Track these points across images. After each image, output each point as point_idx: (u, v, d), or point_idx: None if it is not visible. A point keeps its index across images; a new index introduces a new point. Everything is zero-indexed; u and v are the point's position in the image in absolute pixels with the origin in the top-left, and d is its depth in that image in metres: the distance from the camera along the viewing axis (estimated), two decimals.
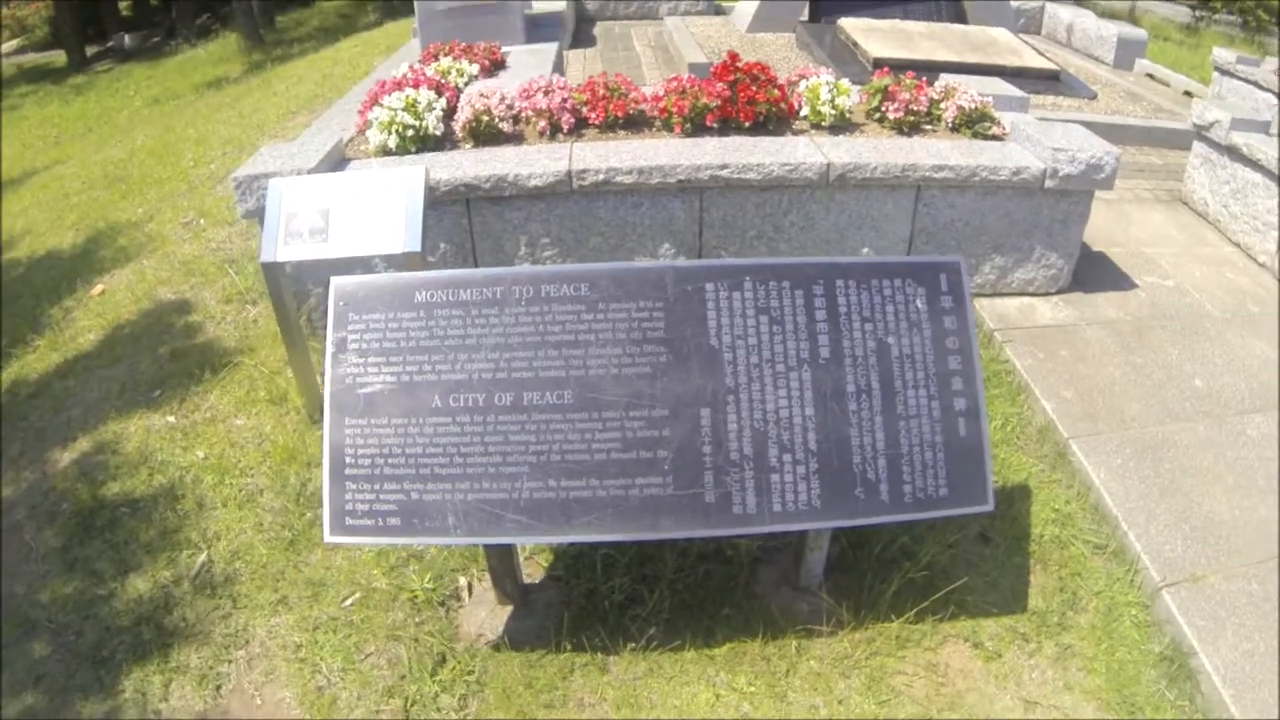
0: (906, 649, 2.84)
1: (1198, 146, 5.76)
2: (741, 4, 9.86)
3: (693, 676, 2.75)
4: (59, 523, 3.55)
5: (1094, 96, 7.76)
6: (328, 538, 2.35)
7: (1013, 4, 10.05)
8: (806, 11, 9.46)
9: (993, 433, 3.71)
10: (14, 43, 27.38)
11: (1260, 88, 7.20)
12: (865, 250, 4.35)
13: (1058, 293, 4.62)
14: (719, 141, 4.29)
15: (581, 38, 9.58)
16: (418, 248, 3.27)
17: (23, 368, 4.69)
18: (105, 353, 4.65)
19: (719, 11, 10.51)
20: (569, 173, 3.98)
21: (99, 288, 5.39)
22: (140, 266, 5.50)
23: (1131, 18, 15.10)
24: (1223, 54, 7.77)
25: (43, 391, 4.43)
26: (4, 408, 4.37)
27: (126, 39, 21.51)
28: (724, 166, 4.03)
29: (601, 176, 4.00)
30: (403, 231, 3.29)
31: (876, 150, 4.22)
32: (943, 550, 3.13)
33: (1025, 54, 8.03)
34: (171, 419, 4.03)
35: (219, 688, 2.87)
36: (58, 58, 21.74)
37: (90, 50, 21.44)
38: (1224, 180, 5.49)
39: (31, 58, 24.00)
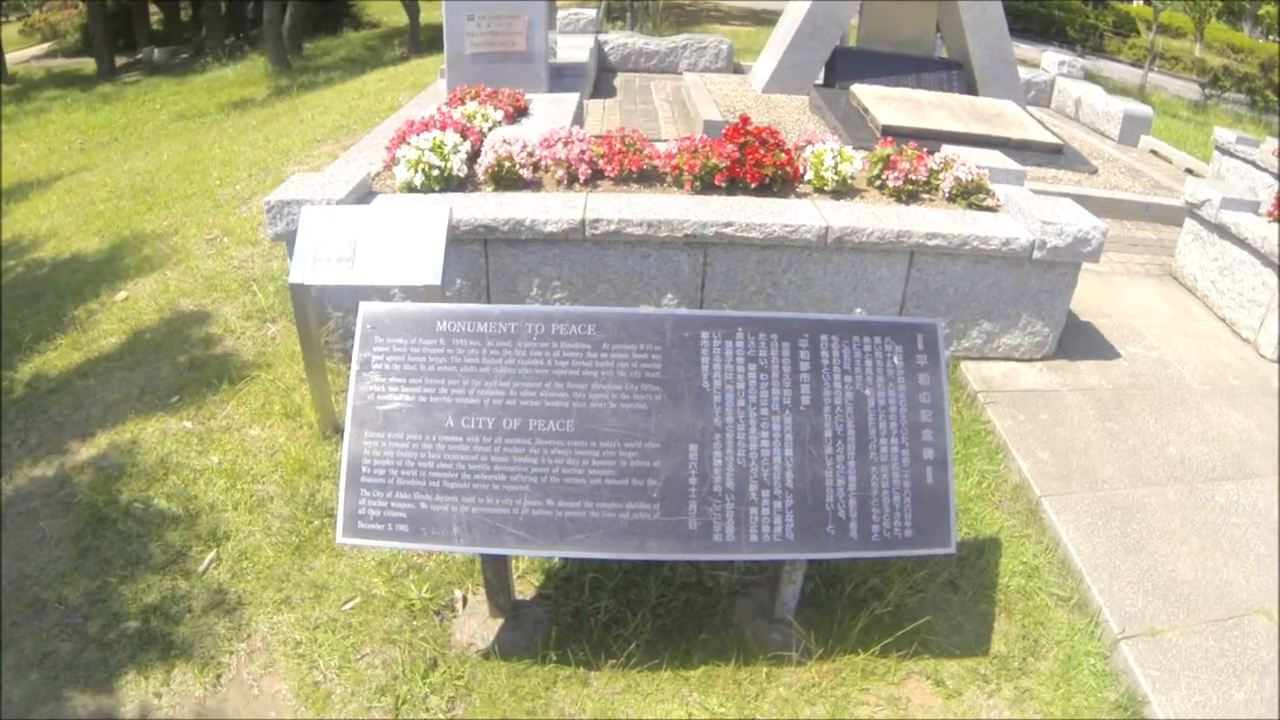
0: (871, 682, 3.01)
1: (1189, 224, 5.98)
2: (759, 65, 10.09)
3: (668, 695, 2.92)
4: (73, 512, 3.72)
5: (1095, 171, 7.98)
6: (340, 538, 2.54)
7: (1023, 77, 10.32)
8: (821, 76, 9.74)
9: (969, 488, 3.90)
10: (45, 46, 27.92)
11: (1258, 167, 7.43)
12: (858, 310, 4.57)
13: (1042, 359, 4.82)
14: (726, 200, 4.52)
15: (602, 88, 9.77)
16: (438, 282, 3.49)
17: (44, 363, 4.87)
18: (126, 356, 4.83)
19: (737, 70, 10.74)
20: (583, 221, 4.21)
21: (122, 294, 5.57)
22: (164, 277, 5.69)
23: (1142, 94, 15.42)
24: (1223, 133, 7.99)
25: (63, 387, 4.62)
26: (24, 400, 4.55)
27: (156, 53, 21.99)
28: (728, 224, 4.26)
29: (613, 227, 4.22)
30: (425, 265, 3.52)
31: (873, 216, 4.45)
32: (911, 593, 3.31)
33: (1030, 127, 8.28)
34: (188, 424, 4.21)
35: (219, 676, 3.03)
36: (87, 65, 22.17)
37: (120, 60, 21.90)
38: (1213, 257, 5.71)
39: (61, 63, 24.47)
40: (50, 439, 4.21)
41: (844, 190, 4.78)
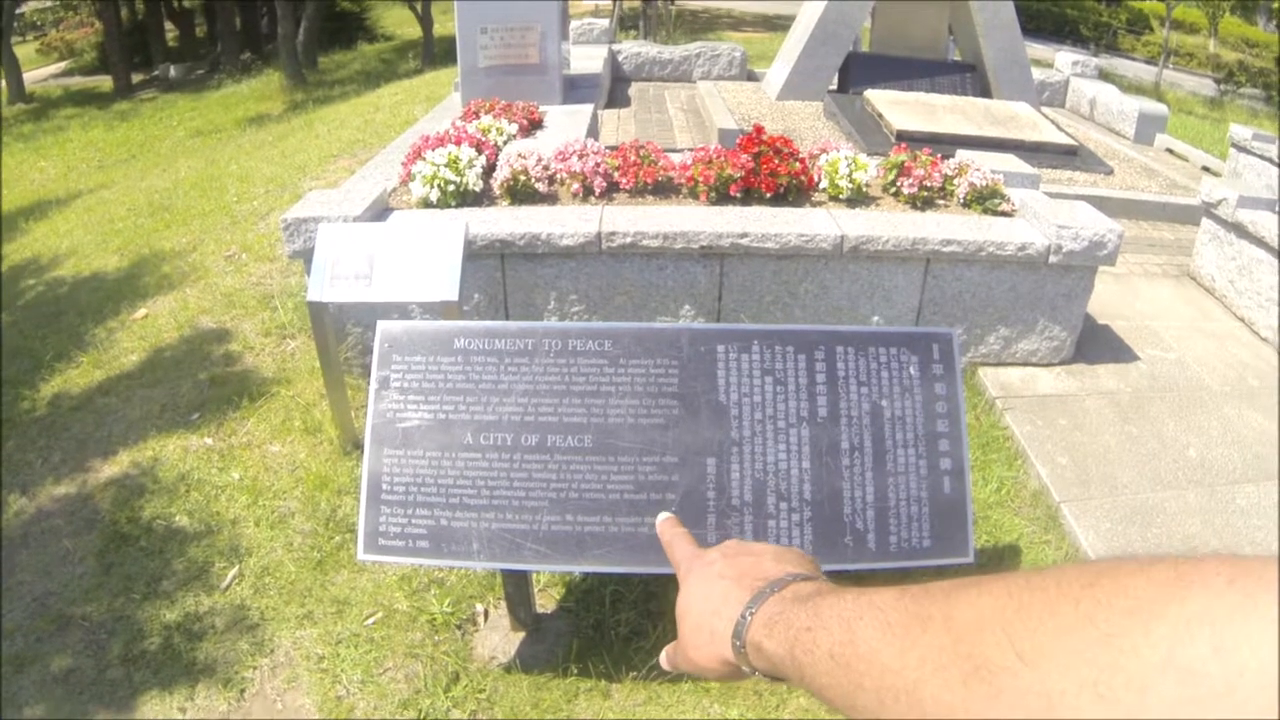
0: None
1: (1206, 223, 5.93)
2: (772, 71, 10.10)
3: (689, 706, 2.93)
4: (96, 530, 3.75)
5: (1110, 172, 7.94)
6: (361, 555, 2.56)
7: (1037, 77, 10.29)
8: (835, 81, 9.74)
9: (988, 495, 3.89)
10: (62, 65, 28.34)
11: (1275, 164, 7.36)
12: (875, 319, 4.56)
13: (1060, 363, 4.79)
14: (741, 211, 4.52)
15: (617, 98, 9.79)
16: (455, 297, 3.51)
17: (65, 382, 4.92)
18: (146, 374, 4.87)
19: (751, 77, 10.74)
20: (599, 234, 4.22)
21: (142, 312, 5.62)
22: (183, 294, 5.74)
23: (1157, 92, 15.34)
24: (1240, 131, 7.93)
25: (85, 405, 4.65)
26: (47, 418, 4.60)
27: (172, 69, 22.25)
28: (744, 235, 4.26)
29: (629, 239, 4.23)
30: (441, 281, 3.54)
31: (889, 224, 4.45)
32: None
33: (1044, 128, 8.25)
34: (209, 441, 4.25)
35: (242, 692, 3.05)
36: (104, 83, 22.46)
37: (136, 78, 22.19)
38: (1230, 256, 5.66)
39: (78, 81, 24.82)
40: (73, 457, 4.25)
41: (859, 198, 4.78)
